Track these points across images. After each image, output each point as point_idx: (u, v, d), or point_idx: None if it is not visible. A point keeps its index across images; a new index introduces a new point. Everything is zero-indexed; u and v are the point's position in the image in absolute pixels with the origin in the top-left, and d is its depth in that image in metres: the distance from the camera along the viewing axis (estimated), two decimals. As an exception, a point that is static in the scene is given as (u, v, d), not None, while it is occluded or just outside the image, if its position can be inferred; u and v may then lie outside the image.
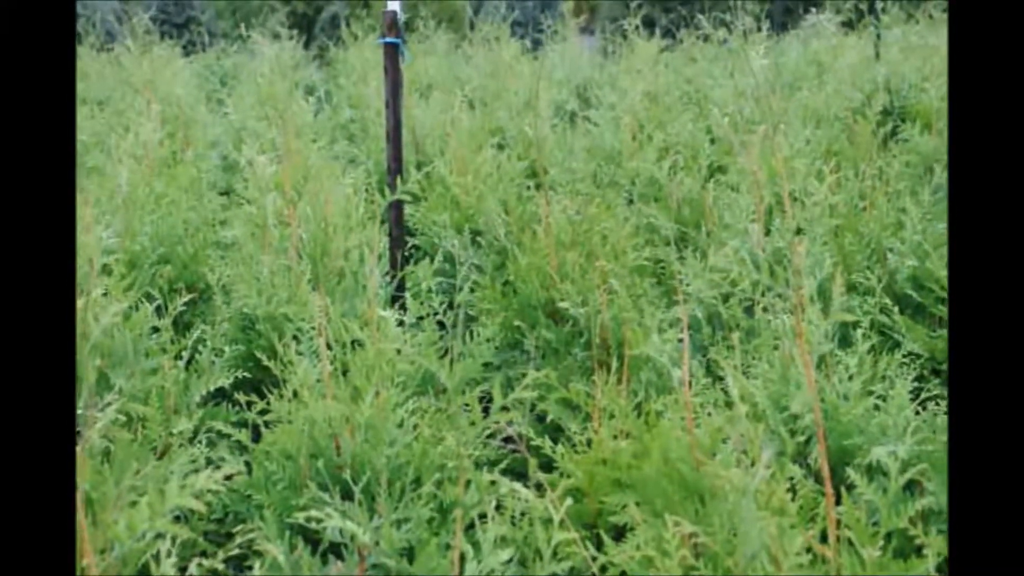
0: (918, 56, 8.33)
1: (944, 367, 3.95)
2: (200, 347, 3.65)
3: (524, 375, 2.75)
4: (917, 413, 2.96)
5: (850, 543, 2.29)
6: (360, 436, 2.86)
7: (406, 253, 4.70)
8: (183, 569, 2.26)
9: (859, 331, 3.25)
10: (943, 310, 4.13)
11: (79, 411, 2.59)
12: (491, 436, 3.21)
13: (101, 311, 3.07)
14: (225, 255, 4.84)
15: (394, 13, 4.59)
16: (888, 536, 2.36)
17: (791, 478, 2.57)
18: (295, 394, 3.02)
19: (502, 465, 3.12)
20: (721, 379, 3.31)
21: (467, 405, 2.89)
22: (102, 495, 2.37)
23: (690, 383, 2.62)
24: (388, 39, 4.57)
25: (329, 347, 3.10)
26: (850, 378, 3.06)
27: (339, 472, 2.84)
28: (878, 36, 9.37)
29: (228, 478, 2.87)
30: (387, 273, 4.47)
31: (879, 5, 9.56)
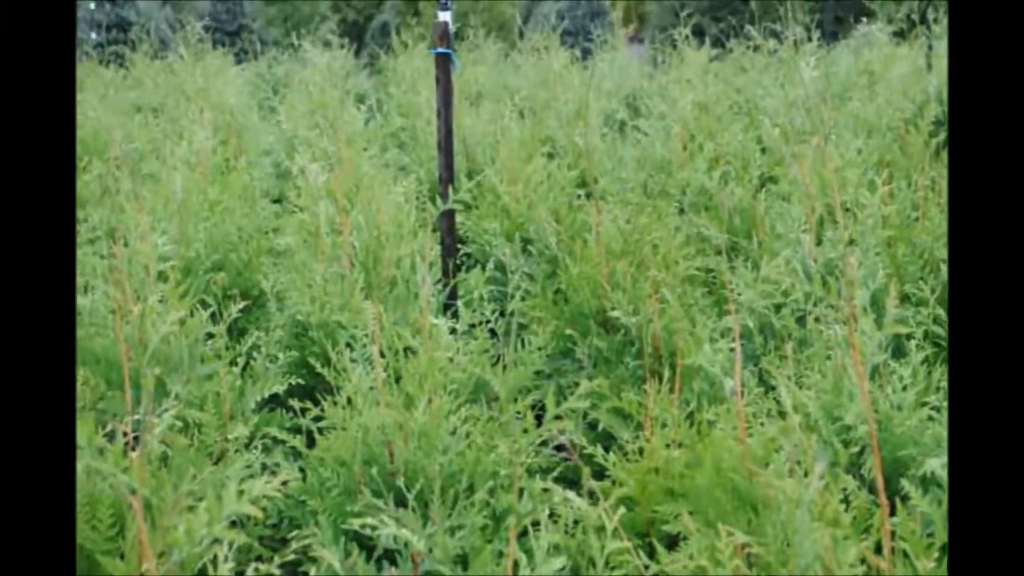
0: (971, 66, 8.26)
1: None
2: (254, 353, 3.68)
3: (576, 383, 2.76)
4: (971, 425, 2.94)
5: (905, 555, 2.29)
6: (413, 443, 2.87)
7: (457, 261, 4.72)
8: (240, 574, 2.28)
9: (912, 342, 3.24)
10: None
11: (138, 417, 2.63)
12: (543, 444, 3.23)
13: (158, 318, 3.12)
14: (278, 262, 4.88)
15: (445, 24, 4.63)
16: (943, 548, 2.35)
17: (845, 489, 2.56)
18: (349, 401, 3.04)
19: (555, 473, 3.13)
20: (773, 389, 3.31)
21: (519, 413, 2.91)
22: (161, 500, 2.40)
23: (742, 393, 2.62)
24: (440, 49, 4.60)
25: (382, 354, 3.12)
26: (904, 389, 3.05)
27: (393, 479, 2.86)
28: (930, 46, 9.31)
29: (283, 484, 2.90)
30: (439, 281, 4.50)
31: (931, 15, 9.51)
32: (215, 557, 2.27)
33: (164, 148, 6.14)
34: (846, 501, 2.55)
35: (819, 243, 4.21)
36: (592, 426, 3.60)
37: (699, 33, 15.02)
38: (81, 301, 3.67)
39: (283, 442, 3.21)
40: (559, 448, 3.33)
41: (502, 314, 3.98)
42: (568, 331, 4.12)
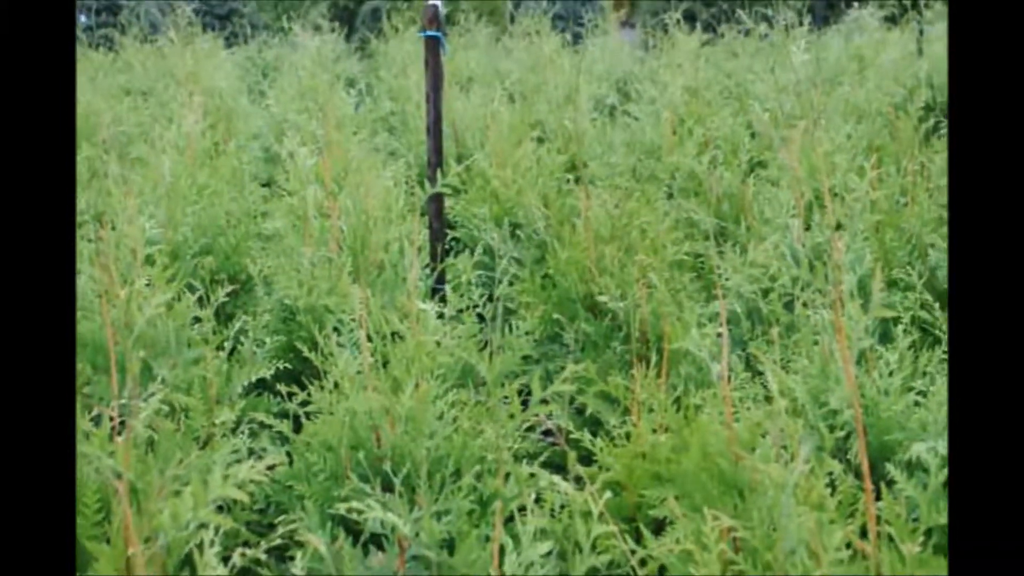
0: (961, 51, 8.25)
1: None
2: (242, 338, 3.68)
3: (563, 368, 2.76)
4: (958, 409, 2.94)
5: (890, 539, 2.29)
6: (400, 428, 2.87)
7: (446, 246, 4.71)
8: (226, 559, 2.28)
9: (899, 327, 3.24)
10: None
11: (124, 401, 2.62)
12: (530, 429, 3.22)
13: (144, 302, 3.11)
14: (266, 246, 4.88)
15: (435, 7, 4.61)
16: (928, 532, 2.35)
17: (830, 473, 2.57)
18: (336, 385, 3.04)
19: (541, 458, 3.14)
20: (760, 374, 3.31)
21: (506, 398, 2.90)
22: (147, 484, 2.40)
23: (729, 377, 2.62)
24: (429, 32, 4.59)
25: (369, 339, 3.12)
26: (890, 374, 3.05)
27: (379, 463, 2.86)
28: (921, 31, 9.31)
29: (270, 468, 2.89)
30: (427, 266, 4.49)
31: (922, 0, 9.50)
32: (201, 542, 2.27)
33: (153, 132, 6.12)
34: (832, 485, 2.55)
35: (807, 228, 4.21)
36: (579, 411, 3.60)
37: (690, 18, 14.98)
38: (68, 285, 3.66)
39: (270, 427, 3.20)
40: (546, 433, 3.33)
41: (490, 299, 3.97)
42: (556, 316, 4.12)
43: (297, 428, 3.12)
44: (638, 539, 2.57)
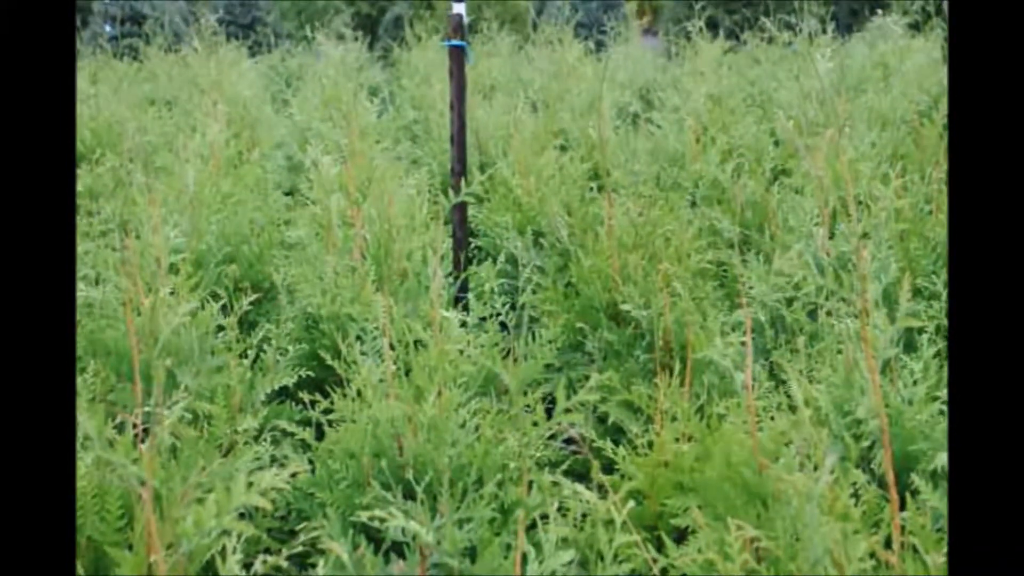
0: (986, 58, 8.21)
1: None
2: (265, 346, 3.68)
3: (586, 377, 2.75)
4: (983, 419, 2.92)
5: (914, 549, 2.28)
6: (423, 436, 2.87)
7: (469, 254, 4.71)
8: (248, 566, 2.28)
9: (924, 336, 3.22)
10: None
11: (148, 408, 2.63)
12: (553, 437, 3.22)
13: (169, 310, 3.12)
14: (290, 255, 4.88)
15: (460, 16, 4.62)
16: (953, 543, 2.33)
17: (855, 483, 2.55)
18: (358, 393, 3.04)
19: (564, 466, 3.13)
20: (784, 383, 3.30)
21: (529, 406, 2.90)
22: (170, 491, 2.40)
23: (753, 387, 2.61)
24: (453, 42, 4.60)
25: (392, 347, 3.12)
26: (915, 383, 3.04)
27: (401, 471, 2.86)
28: (945, 38, 9.27)
29: (292, 476, 2.90)
30: (450, 274, 4.49)
31: (946, 6, 9.46)
32: (223, 549, 2.27)
33: (177, 141, 6.15)
34: (856, 495, 2.54)
35: (832, 236, 4.20)
36: (602, 420, 3.59)
37: (713, 25, 14.96)
38: (93, 293, 3.68)
39: (292, 434, 3.21)
40: (568, 441, 3.32)
41: (513, 307, 3.97)
42: (579, 324, 4.11)
43: (320, 436, 3.12)
44: (660, 548, 2.56)
